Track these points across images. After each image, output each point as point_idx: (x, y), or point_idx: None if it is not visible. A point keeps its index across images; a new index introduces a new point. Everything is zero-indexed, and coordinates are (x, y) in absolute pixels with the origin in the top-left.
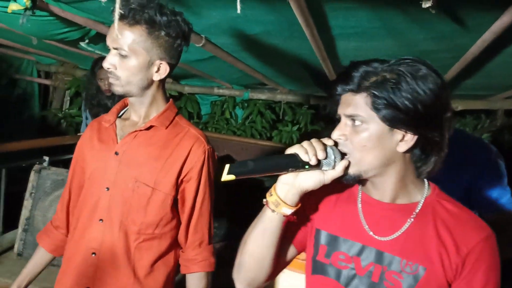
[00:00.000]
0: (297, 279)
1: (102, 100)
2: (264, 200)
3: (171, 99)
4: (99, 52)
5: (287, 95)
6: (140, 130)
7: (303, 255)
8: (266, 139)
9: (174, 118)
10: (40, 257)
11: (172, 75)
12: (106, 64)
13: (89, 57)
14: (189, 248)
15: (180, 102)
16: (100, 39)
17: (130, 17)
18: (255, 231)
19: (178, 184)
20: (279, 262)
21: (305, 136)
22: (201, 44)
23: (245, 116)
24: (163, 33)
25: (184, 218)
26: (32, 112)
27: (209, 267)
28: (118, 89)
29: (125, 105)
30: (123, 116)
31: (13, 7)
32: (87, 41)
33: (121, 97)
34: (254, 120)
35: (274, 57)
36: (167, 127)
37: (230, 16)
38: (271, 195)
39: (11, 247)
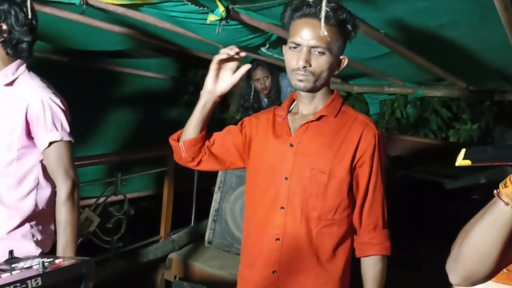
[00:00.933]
0: None
1: (255, 101)
2: (496, 191)
3: (335, 90)
4: (277, 56)
5: (466, 91)
6: (312, 121)
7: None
8: (441, 139)
9: (341, 107)
10: None
11: (342, 75)
12: (301, 63)
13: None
14: (364, 232)
15: (348, 103)
16: (279, 43)
17: (327, 19)
18: (482, 224)
19: (352, 170)
20: (504, 260)
21: (487, 134)
22: (379, 40)
23: (417, 115)
24: (347, 30)
25: (358, 202)
26: (213, 115)
27: (385, 251)
28: (306, 84)
29: (293, 100)
30: (292, 111)
31: (211, 18)
32: (267, 46)
33: (277, 96)
34: (428, 118)
35: (457, 49)
36: (336, 116)
37: (417, 8)
38: (506, 186)
39: (202, 235)
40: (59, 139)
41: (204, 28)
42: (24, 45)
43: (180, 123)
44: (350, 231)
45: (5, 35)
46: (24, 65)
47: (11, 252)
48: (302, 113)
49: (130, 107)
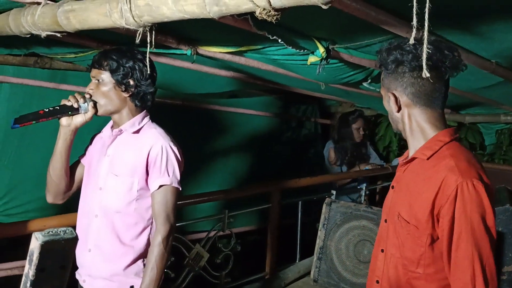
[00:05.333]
0: None
1: (353, 149)
2: None
3: (439, 131)
4: (379, 90)
5: None
6: (405, 164)
7: None
8: None
9: (440, 148)
10: None
11: (452, 105)
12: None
13: (366, 95)
14: None
15: (460, 133)
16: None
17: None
18: None
19: (433, 221)
20: None
21: None
22: (490, 70)
23: None
24: (402, 68)
25: (444, 260)
26: (316, 149)
27: None
28: (394, 128)
29: None
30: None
31: (312, 59)
32: (369, 81)
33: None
34: None
35: None
36: (428, 158)
37: None
38: None
39: (307, 273)
40: (168, 183)
41: (305, 68)
42: (149, 96)
43: (283, 159)
44: None
45: (133, 89)
46: (148, 116)
47: None
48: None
49: (236, 145)
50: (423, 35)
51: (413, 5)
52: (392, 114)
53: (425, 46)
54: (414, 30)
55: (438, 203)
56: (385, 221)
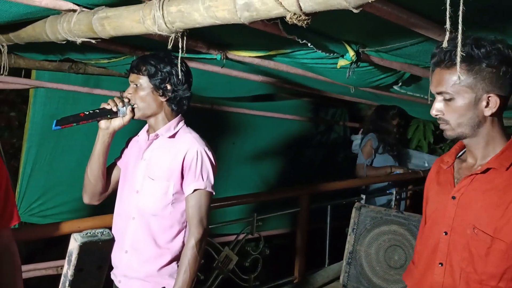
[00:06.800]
0: None
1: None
2: None
3: None
4: (411, 93)
5: None
6: (477, 174)
7: None
8: None
9: None
10: None
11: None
12: (433, 112)
13: (397, 98)
14: None
15: None
16: (412, 80)
17: (446, 60)
18: None
19: None
20: None
21: None
22: None
23: None
24: (484, 65)
25: None
26: (346, 153)
27: None
28: (450, 133)
29: (463, 146)
30: (461, 157)
31: (342, 63)
32: (400, 84)
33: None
34: None
35: None
36: (507, 169)
37: None
38: None
39: (336, 278)
40: (202, 188)
41: (335, 71)
42: (185, 101)
43: (312, 163)
44: None
45: (170, 94)
46: (183, 120)
47: None
48: (469, 161)
49: (265, 148)
50: (456, 37)
51: (446, 8)
52: (464, 117)
53: (459, 49)
54: (448, 33)
55: None
56: (445, 233)
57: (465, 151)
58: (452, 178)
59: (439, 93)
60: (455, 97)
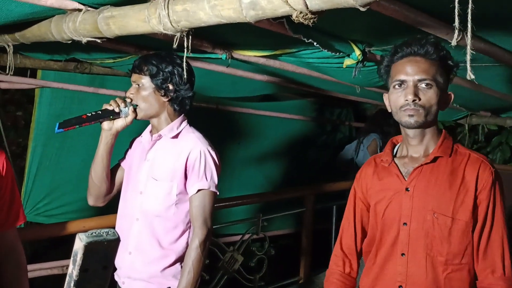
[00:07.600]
0: None
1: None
2: None
3: (443, 130)
4: None
5: None
6: (426, 164)
7: None
8: None
9: (453, 146)
10: None
11: (492, 108)
12: (411, 97)
13: None
14: (481, 275)
15: (500, 137)
16: None
17: (430, 52)
18: None
19: (474, 210)
20: None
21: None
22: None
23: None
24: (449, 66)
25: (475, 243)
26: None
27: None
28: (419, 119)
29: (394, 145)
30: (398, 155)
31: (348, 62)
32: None
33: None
34: None
35: None
36: (450, 156)
37: None
38: None
39: None
40: (206, 187)
41: (340, 71)
42: (187, 101)
43: (317, 163)
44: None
45: (172, 94)
46: (186, 120)
47: None
48: (412, 156)
49: (270, 148)
50: (463, 37)
51: (454, 7)
52: (434, 106)
53: (468, 48)
54: (456, 31)
55: (477, 192)
56: (404, 224)
57: (399, 149)
58: (399, 172)
59: (421, 80)
60: (433, 86)
